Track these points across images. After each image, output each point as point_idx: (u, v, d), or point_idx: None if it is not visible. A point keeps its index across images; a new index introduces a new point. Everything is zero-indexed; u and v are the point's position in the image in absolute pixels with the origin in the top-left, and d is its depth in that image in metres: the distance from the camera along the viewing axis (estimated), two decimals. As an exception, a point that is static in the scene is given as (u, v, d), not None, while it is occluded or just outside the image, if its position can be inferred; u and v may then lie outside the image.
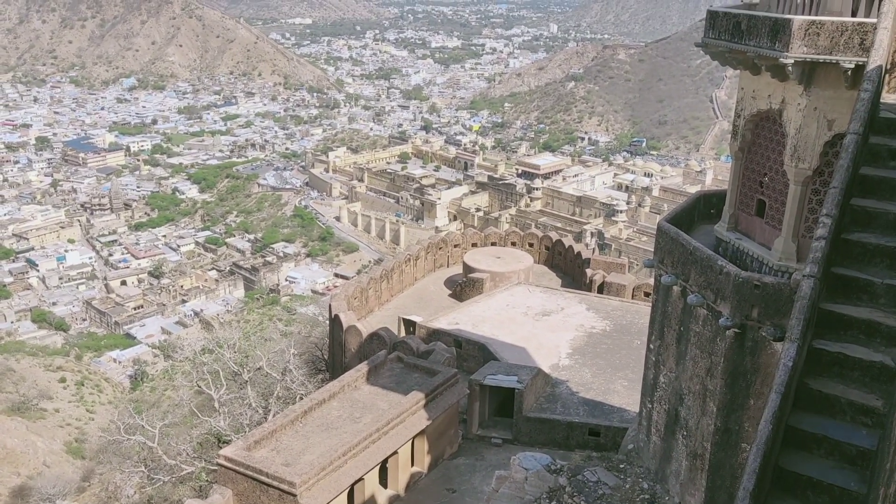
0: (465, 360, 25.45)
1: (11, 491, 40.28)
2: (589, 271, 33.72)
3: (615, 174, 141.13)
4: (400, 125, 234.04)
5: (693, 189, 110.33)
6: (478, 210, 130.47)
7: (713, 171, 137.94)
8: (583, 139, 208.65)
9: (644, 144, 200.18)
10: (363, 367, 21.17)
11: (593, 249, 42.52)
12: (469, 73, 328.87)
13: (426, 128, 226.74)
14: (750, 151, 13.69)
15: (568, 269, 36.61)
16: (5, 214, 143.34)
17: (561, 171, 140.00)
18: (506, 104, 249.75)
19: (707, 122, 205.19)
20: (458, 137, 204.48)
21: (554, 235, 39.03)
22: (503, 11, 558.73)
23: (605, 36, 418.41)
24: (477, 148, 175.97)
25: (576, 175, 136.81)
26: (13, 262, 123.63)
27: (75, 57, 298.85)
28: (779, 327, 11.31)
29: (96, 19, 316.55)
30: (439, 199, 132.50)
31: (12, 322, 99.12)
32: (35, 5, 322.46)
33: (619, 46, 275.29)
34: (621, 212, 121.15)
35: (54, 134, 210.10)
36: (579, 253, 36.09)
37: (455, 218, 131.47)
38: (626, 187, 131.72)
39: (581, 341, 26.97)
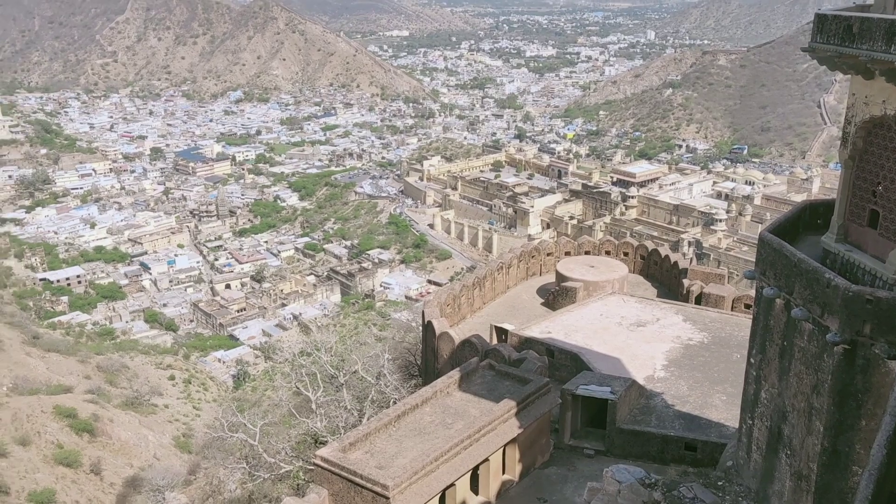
0: (557, 369, 25.27)
1: (125, 481, 42.76)
2: (686, 282, 32.82)
3: (714, 182, 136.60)
4: (494, 134, 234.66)
5: (798, 198, 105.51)
6: (571, 218, 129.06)
7: (820, 179, 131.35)
8: (680, 147, 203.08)
9: (745, 152, 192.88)
10: (455, 374, 21.37)
11: (691, 259, 41.27)
12: (563, 81, 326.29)
13: (520, 136, 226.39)
14: (862, 159, 13.05)
15: (664, 279, 35.75)
16: (122, 220, 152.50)
17: (657, 179, 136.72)
18: (601, 112, 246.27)
19: (814, 129, 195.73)
20: (552, 146, 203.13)
21: (649, 244, 38.17)
22: (599, 19, 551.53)
23: (705, 41, 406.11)
24: (571, 156, 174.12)
25: (673, 183, 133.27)
26: (128, 265, 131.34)
27: (187, 72, 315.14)
28: (894, 345, 10.75)
29: (207, 36, 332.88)
30: (532, 207, 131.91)
31: (127, 322, 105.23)
32: (152, 24, 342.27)
33: (720, 52, 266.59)
34: (721, 221, 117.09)
35: (167, 145, 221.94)
36: (676, 263, 35.18)
37: (548, 226, 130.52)
38: (726, 196, 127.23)
39: (677, 353, 26.30)
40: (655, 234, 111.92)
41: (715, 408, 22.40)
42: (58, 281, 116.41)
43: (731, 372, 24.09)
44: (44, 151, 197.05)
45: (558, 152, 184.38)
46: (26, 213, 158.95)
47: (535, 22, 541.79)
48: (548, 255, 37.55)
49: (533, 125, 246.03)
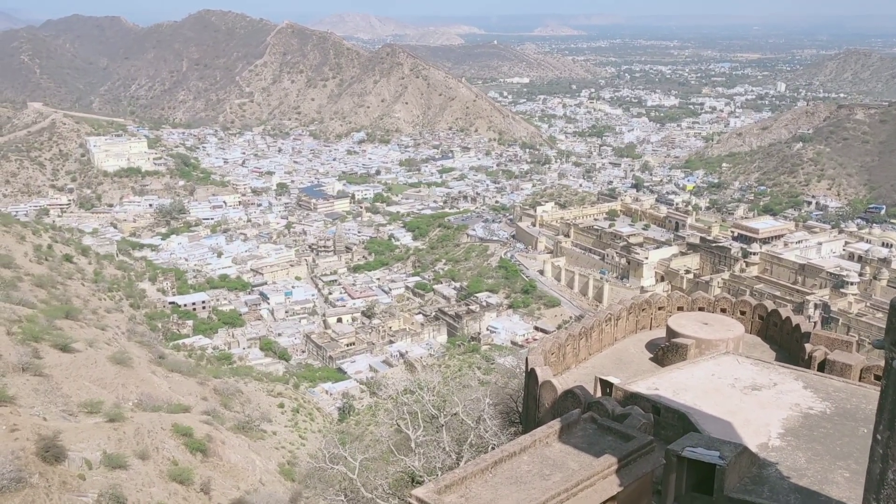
0: (663, 428, 24.34)
1: (231, 502, 44.34)
2: (808, 346, 30.96)
3: (846, 242, 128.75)
4: (610, 182, 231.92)
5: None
6: (687, 272, 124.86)
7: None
8: (809, 203, 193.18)
9: (883, 212, 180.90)
10: (556, 424, 21.01)
11: (815, 323, 38.84)
12: (685, 131, 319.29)
13: (637, 186, 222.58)
14: None
15: (784, 342, 33.88)
16: (246, 251, 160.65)
17: (782, 235, 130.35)
18: (723, 164, 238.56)
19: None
20: (671, 196, 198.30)
21: (769, 304, 36.36)
22: (725, 70, 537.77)
23: (841, 95, 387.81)
24: (690, 208, 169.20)
25: (800, 241, 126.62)
26: (249, 294, 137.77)
27: (315, 113, 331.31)
28: None
29: (336, 79, 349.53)
30: (647, 258, 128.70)
31: (244, 348, 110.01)
32: (287, 68, 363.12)
33: (857, 106, 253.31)
34: (852, 284, 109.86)
35: (292, 181, 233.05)
36: (798, 325, 33.28)
37: (662, 279, 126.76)
38: (860, 257, 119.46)
39: (795, 422, 24.74)
40: (777, 293, 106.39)
41: (836, 484, 20.86)
42: (185, 305, 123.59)
43: (855, 447, 22.41)
44: (182, 183, 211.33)
45: (677, 204, 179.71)
46: (162, 239, 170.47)
47: (658, 71, 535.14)
48: (659, 308, 36.47)
49: (651, 175, 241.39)
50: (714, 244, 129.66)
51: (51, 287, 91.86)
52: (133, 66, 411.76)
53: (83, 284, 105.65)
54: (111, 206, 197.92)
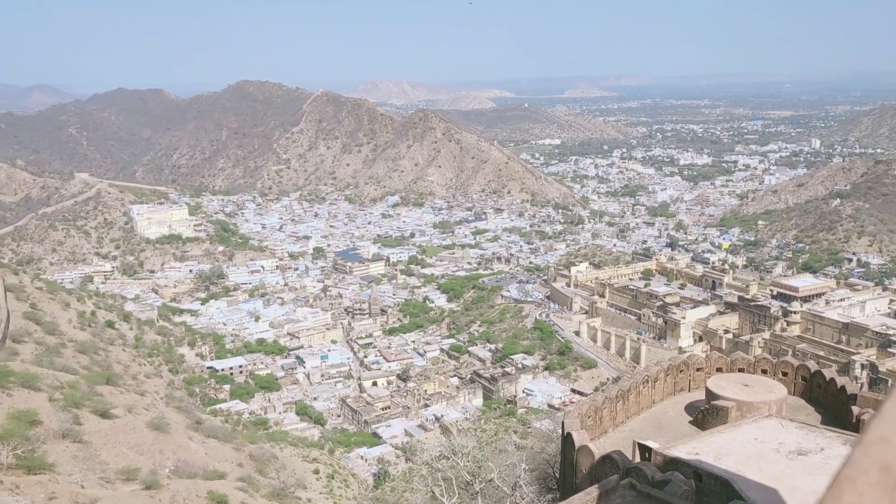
0: (704, 495, 23.75)
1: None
2: (856, 409, 30.12)
3: (891, 300, 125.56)
4: (644, 241, 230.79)
5: None
6: (726, 332, 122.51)
7: None
8: (850, 260, 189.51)
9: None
10: (594, 491, 20.69)
11: (862, 384, 37.80)
12: (719, 189, 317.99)
13: (672, 245, 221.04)
14: None
15: (829, 404, 33.01)
16: (283, 315, 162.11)
17: (823, 293, 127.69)
18: (759, 222, 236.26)
19: None
20: (706, 255, 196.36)
21: (812, 365, 35.59)
22: (758, 128, 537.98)
23: (878, 150, 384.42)
24: (726, 267, 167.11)
25: (842, 299, 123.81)
26: (286, 357, 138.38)
27: (350, 177, 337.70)
28: None
29: (370, 145, 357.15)
30: (684, 318, 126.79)
31: (280, 413, 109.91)
32: (322, 135, 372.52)
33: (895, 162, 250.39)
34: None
35: (328, 245, 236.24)
36: (843, 387, 32.46)
37: (700, 339, 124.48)
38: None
39: (843, 489, 23.92)
40: (821, 353, 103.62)
41: (888, 555, 20.02)
42: (222, 370, 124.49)
43: (907, 515, 21.55)
44: (221, 248, 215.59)
45: (713, 262, 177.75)
46: (201, 304, 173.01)
47: (690, 130, 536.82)
48: (698, 370, 35.91)
49: (686, 234, 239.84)
50: (753, 303, 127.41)
51: (93, 353, 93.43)
52: (175, 136, 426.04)
53: (124, 350, 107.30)
54: (153, 272, 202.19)
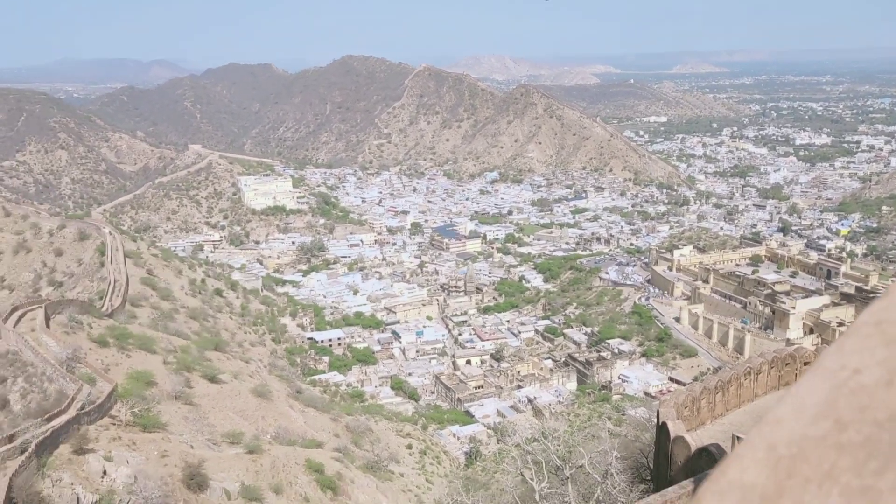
0: None
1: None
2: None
3: None
4: (754, 226, 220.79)
5: None
6: (840, 325, 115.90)
7: None
8: None
9: None
10: (688, 485, 20.01)
11: None
12: (839, 172, 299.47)
13: (784, 230, 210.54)
14: None
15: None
16: (381, 289, 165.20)
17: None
18: (884, 207, 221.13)
19: None
20: (822, 242, 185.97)
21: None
22: (886, 106, 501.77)
23: None
24: (844, 255, 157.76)
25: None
26: (382, 332, 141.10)
27: (450, 153, 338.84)
28: None
29: (470, 120, 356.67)
30: (794, 308, 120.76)
31: (376, 386, 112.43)
32: (423, 110, 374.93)
33: None
34: None
35: (426, 220, 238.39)
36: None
37: (811, 331, 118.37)
38: None
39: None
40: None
41: None
42: (322, 341, 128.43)
43: None
44: (322, 221, 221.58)
45: (829, 250, 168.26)
46: (303, 276, 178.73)
47: (809, 108, 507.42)
48: (805, 363, 34.02)
49: (800, 218, 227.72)
50: (872, 295, 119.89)
51: (203, 319, 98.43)
52: (281, 109, 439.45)
53: (231, 318, 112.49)
54: (258, 242, 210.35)
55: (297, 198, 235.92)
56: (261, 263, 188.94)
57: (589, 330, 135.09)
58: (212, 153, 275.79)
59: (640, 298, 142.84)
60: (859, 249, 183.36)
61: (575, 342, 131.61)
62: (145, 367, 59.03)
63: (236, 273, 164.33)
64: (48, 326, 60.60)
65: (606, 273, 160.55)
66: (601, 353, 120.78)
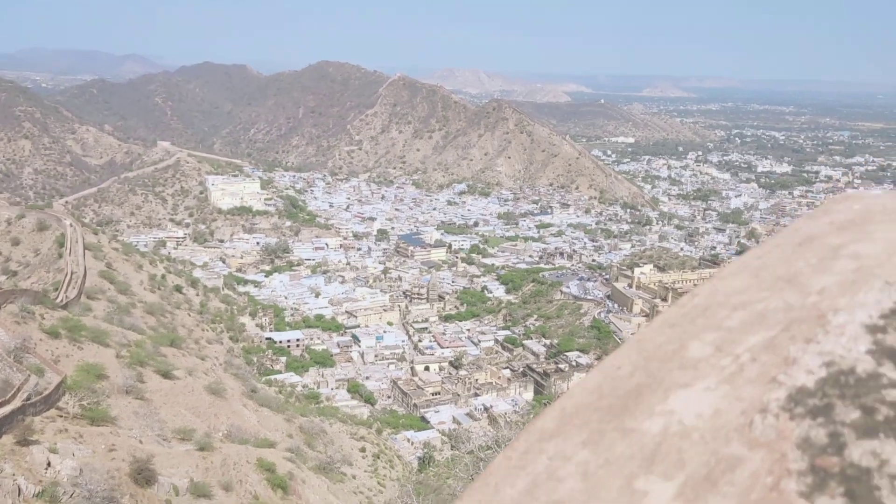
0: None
1: (304, 541, 45.14)
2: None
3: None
4: (713, 248, 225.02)
5: None
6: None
7: None
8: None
9: None
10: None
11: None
12: (797, 200, 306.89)
13: (741, 253, 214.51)
14: None
15: None
16: (343, 293, 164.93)
17: None
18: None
19: None
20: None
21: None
22: (845, 139, 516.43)
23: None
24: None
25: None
26: (342, 335, 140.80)
27: (419, 163, 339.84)
28: None
29: (442, 132, 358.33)
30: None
31: (332, 389, 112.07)
32: (396, 118, 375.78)
33: None
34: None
35: (392, 228, 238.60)
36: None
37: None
38: None
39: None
40: None
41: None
42: (280, 342, 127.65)
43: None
44: (288, 224, 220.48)
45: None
46: (265, 276, 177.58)
47: (772, 137, 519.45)
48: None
49: (757, 243, 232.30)
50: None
51: (160, 315, 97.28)
52: (254, 111, 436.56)
53: (189, 315, 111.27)
54: (222, 241, 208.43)
55: (265, 199, 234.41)
56: (224, 262, 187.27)
57: (548, 342, 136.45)
58: (181, 151, 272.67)
59: (599, 313, 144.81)
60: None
61: (534, 353, 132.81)
62: (97, 360, 58.33)
63: (198, 270, 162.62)
64: (-1, 315, 59.51)
65: (568, 287, 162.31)
66: (559, 365, 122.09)
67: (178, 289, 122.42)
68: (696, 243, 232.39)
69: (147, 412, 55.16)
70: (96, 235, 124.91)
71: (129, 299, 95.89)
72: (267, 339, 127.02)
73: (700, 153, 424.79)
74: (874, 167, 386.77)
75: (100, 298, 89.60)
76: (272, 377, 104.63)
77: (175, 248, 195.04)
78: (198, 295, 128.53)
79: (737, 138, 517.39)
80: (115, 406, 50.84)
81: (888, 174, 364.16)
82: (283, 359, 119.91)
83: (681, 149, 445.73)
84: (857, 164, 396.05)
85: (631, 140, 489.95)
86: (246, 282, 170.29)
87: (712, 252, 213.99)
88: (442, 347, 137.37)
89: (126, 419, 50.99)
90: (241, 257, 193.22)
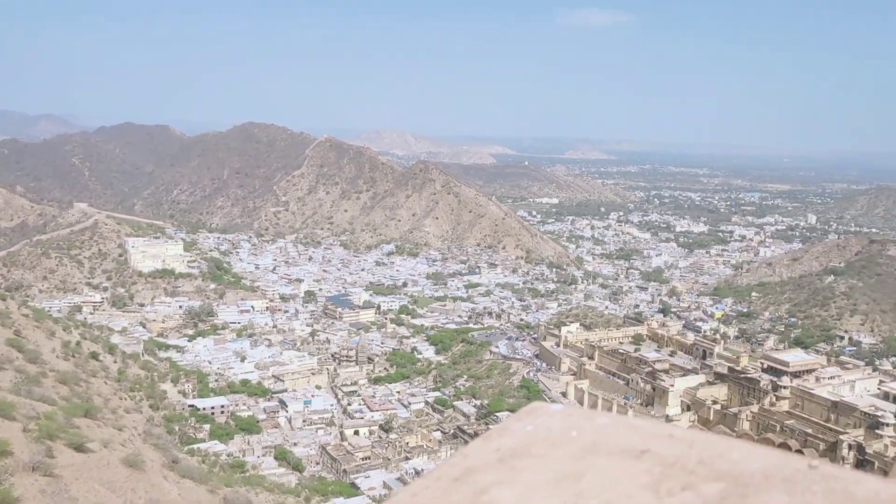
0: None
1: None
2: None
3: (881, 381, 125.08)
4: (637, 306, 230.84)
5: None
6: (714, 403, 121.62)
7: None
8: (842, 338, 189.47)
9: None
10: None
11: (848, 465, 37.33)
12: (714, 259, 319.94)
13: (664, 311, 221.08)
14: None
15: (810, 484, 32.64)
16: (269, 357, 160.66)
17: (814, 370, 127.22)
18: (753, 293, 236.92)
19: None
20: (698, 324, 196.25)
21: (793, 444, 35.36)
22: (755, 200, 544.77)
23: (873, 230, 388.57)
24: (718, 336, 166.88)
25: (832, 377, 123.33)
26: (269, 400, 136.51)
27: (347, 224, 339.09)
28: None
29: (370, 193, 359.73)
30: (672, 386, 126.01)
31: (259, 457, 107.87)
32: (323, 179, 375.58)
33: (890, 242, 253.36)
34: (888, 425, 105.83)
35: (320, 289, 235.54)
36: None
37: (689, 408, 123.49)
38: (895, 398, 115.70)
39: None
40: (809, 431, 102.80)
41: None
42: (203, 409, 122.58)
43: None
44: (213, 286, 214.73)
45: (704, 331, 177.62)
46: (188, 341, 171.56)
47: (688, 198, 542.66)
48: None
49: (679, 301, 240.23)
50: (742, 375, 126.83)
51: (74, 384, 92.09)
52: (177, 172, 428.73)
53: (106, 383, 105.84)
54: (142, 305, 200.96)
55: (188, 261, 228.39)
56: (144, 327, 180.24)
57: (478, 402, 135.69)
58: (99, 212, 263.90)
59: (528, 372, 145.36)
60: (731, 332, 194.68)
61: (464, 414, 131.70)
62: (1, 435, 54.48)
63: (116, 336, 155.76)
64: None
65: (497, 347, 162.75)
66: (490, 426, 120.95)
67: (95, 356, 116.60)
68: (620, 301, 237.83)
69: (56, 490, 51.55)
70: (4, 301, 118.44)
71: (40, 368, 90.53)
72: (190, 406, 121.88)
73: (621, 213, 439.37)
74: (783, 227, 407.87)
75: (6, 368, 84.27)
76: (195, 446, 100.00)
77: (92, 314, 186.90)
78: (115, 362, 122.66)
79: (655, 199, 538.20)
80: (19, 485, 47.30)
81: (797, 234, 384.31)
82: (207, 426, 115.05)
83: (603, 209, 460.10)
84: (767, 223, 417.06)
85: (555, 201, 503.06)
86: (168, 347, 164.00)
87: (636, 310, 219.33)
88: (372, 411, 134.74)
89: (31, 499, 47.47)
90: (163, 321, 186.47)
